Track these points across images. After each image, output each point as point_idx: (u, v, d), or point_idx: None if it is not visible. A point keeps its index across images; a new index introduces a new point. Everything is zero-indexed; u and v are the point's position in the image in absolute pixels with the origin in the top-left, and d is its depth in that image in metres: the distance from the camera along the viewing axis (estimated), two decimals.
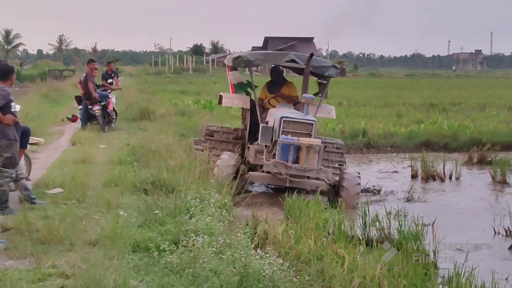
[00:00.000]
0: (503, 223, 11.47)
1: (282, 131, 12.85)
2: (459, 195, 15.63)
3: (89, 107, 20.99)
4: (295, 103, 14.95)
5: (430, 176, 16.97)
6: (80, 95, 21.83)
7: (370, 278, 7.24)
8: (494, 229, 11.52)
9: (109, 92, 22.66)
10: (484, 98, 41.15)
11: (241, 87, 15.45)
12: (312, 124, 13.08)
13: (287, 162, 12.49)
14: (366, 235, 10.10)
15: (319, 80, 15.13)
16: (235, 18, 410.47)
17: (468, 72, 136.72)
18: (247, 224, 9.55)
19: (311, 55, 14.07)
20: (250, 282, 6.65)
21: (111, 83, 23.97)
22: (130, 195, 11.29)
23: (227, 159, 13.62)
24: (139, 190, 11.51)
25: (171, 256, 7.49)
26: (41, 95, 34.74)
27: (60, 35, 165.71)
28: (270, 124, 13.50)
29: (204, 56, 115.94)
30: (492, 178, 16.78)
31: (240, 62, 14.65)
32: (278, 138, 12.70)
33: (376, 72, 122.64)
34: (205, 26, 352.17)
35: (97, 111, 20.83)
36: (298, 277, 7.24)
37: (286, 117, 13.04)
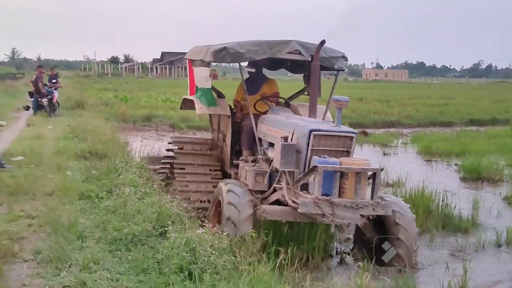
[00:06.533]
0: None
1: (312, 149, 6.56)
2: None
3: (39, 99, 20.48)
4: (278, 103, 8.72)
5: None
6: (32, 91, 21.12)
7: None
8: None
9: (54, 89, 21.98)
10: None
11: (205, 95, 8.32)
12: (352, 137, 6.69)
13: (331, 196, 6.15)
14: None
15: (324, 72, 9.14)
16: (142, 34, 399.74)
17: None
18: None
19: (322, 42, 7.43)
20: (164, 218, 6.58)
21: (55, 83, 23.24)
22: (74, 160, 10.84)
23: (241, 195, 6.74)
24: (80, 157, 11.09)
25: (107, 202, 7.32)
26: (1, 91, 33.22)
27: (13, 48, 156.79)
28: (272, 138, 7.37)
29: (119, 64, 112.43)
30: None
31: (225, 56, 7.70)
32: (306, 160, 6.54)
33: None
34: (120, 42, 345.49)
35: (45, 102, 20.36)
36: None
37: (318, 131, 6.57)
